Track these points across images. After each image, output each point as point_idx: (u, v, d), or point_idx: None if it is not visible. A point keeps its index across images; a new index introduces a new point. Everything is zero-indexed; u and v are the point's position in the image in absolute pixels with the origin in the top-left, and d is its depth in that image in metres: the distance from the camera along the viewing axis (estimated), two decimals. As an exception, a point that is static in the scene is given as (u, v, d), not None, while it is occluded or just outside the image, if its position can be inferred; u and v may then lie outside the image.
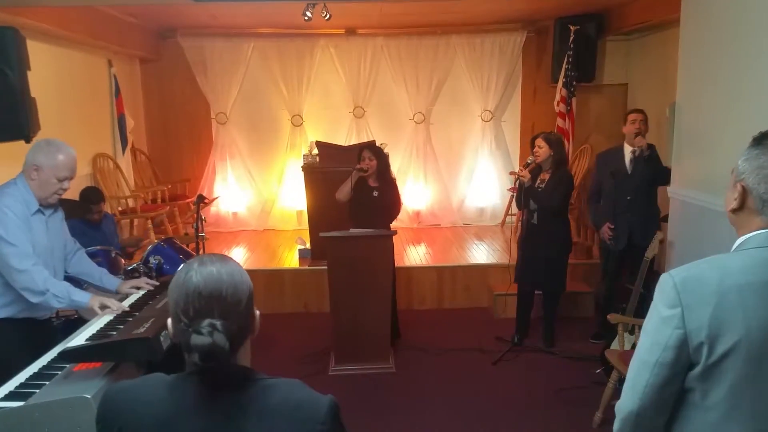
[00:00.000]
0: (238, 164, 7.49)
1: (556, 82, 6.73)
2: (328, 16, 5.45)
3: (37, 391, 2.01)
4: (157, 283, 2.94)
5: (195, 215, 4.32)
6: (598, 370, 3.98)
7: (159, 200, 6.78)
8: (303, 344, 4.69)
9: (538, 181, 4.37)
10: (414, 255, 6.16)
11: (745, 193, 1.33)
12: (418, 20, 6.72)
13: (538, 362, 4.36)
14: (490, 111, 7.34)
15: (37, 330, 2.70)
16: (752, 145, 1.34)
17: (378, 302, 4.18)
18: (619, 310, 3.79)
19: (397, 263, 4.95)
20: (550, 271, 4.41)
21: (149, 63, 7.32)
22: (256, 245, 6.75)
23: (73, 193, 4.45)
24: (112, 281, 2.92)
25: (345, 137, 7.25)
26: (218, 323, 1.11)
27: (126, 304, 2.67)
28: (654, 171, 4.27)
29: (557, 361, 4.36)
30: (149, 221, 6.24)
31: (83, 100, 5.83)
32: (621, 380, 3.22)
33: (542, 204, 4.33)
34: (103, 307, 2.56)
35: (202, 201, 4.39)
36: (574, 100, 6.59)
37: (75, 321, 3.10)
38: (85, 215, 4.31)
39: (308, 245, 5.85)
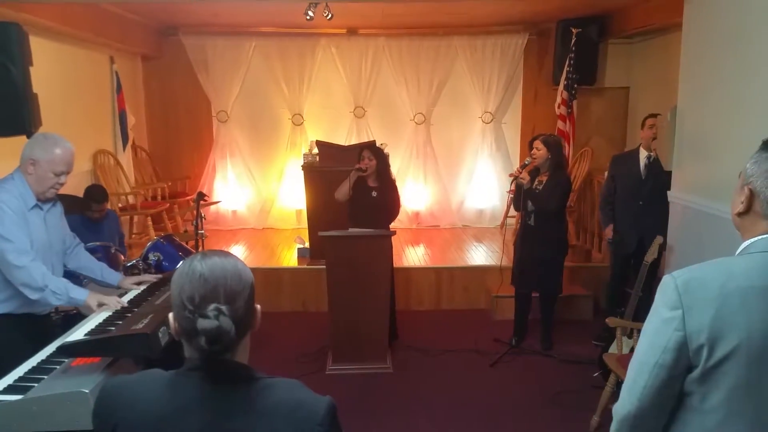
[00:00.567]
0: (238, 162, 7.50)
1: (558, 84, 6.73)
2: (329, 15, 5.44)
3: (36, 385, 2.02)
4: (160, 276, 2.94)
5: (195, 213, 4.32)
6: (596, 374, 3.98)
7: (159, 197, 6.79)
8: (300, 343, 4.68)
9: (536, 182, 4.38)
10: (413, 256, 6.16)
11: (752, 197, 1.33)
12: (420, 21, 6.73)
13: (535, 365, 4.36)
14: (490, 113, 7.35)
15: (37, 325, 2.68)
16: (761, 149, 1.34)
17: (376, 302, 4.18)
18: (618, 314, 3.79)
19: (396, 264, 4.95)
20: (546, 274, 4.41)
21: (151, 60, 7.32)
22: (255, 244, 6.75)
23: (76, 189, 4.45)
24: (113, 276, 2.91)
25: (345, 137, 7.26)
26: (224, 307, 1.13)
27: (125, 299, 2.66)
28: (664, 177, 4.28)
29: (555, 363, 4.36)
30: (149, 218, 6.24)
31: (85, 97, 5.83)
32: (618, 384, 3.22)
33: (539, 206, 4.33)
34: (101, 305, 2.55)
35: (202, 198, 4.38)
36: (575, 102, 6.59)
37: (74, 316, 3.09)
38: (85, 212, 4.28)
39: (307, 244, 5.85)
